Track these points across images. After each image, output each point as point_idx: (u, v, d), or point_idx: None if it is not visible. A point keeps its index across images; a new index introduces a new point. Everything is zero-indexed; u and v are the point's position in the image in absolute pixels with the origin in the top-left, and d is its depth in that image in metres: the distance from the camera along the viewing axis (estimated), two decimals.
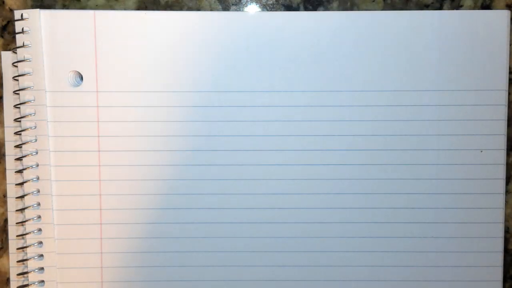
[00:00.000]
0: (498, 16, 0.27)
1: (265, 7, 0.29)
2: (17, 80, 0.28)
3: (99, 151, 0.28)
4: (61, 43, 0.27)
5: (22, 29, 0.27)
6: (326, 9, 0.29)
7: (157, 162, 0.28)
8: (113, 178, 0.28)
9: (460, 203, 0.28)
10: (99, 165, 0.28)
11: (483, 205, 0.28)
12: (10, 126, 0.28)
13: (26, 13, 0.27)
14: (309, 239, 0.29)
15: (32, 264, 0.28)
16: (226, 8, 0.29)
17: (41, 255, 0.28)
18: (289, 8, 0.29)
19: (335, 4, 0.29)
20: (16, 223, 0.28)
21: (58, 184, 0.28)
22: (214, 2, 0.29)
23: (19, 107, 0.28)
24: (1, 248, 0.30)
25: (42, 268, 0.28)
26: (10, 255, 0.29)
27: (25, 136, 0.28)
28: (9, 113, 0.28)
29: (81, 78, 0.28)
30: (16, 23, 0.27)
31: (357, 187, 0.28)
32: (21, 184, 0.28)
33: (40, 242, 0.28)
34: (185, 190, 0.28)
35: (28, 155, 0.28)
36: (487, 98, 0.28)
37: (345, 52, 0.28)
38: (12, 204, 0.28)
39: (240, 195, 0.28)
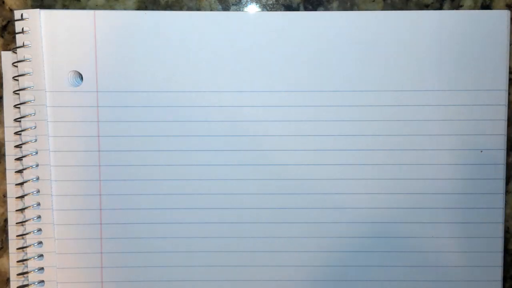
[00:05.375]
0: (498, 16, 0.27)
1: (265, 7, 0.29)
2: (17, 80, 0.28)
3: (99, 151, 0.28)
4: (61, 43, 0.27)
5: (22, 29, 0.27)
6: (326, 9, 0.29)
7: (157, 162, 0.28)
8: (113, 178, 0.28)
9: (460, 203, 0.28)
10: (99, 165, 0.28)
11: (483, 205, 0.28)
12: (10, 126, 0.28)
13: (26, 13, 0.27)
14: (308, 239, 0.29)
15: (32, 264, 0.28)
16: (226, 8, 0.29)
17: (41, 255, 0.28)
18: (289, 8, 0.29)
19: (335, 4, 0.29)
20: (16, 223, 0.28)
21: (58, 184, 0.28)
22: (214, 2, 0.29)
23: (19, 107, 0.28)
24: (1, 248, 0.30)
25: (42, 268, 0.28)
26: (10, 255, 0.29)
27: (25, 136, 0.28)
28: (9, 113, 0.28)
29: (81, 78, 0.28)
30: (16, 23, 0.27)
31: (357, 187, 0.28)
32: (21, 184, 0.28)
33: (40, 242, 0.28)
34: (185, 190, 0.28)
35: (28, 155, 0.28)
36: (487, 98, 0.28)
37: (345, 52, 0.28)
38: (12, 204, 0.28)
39: (240, 195, 0.28)
